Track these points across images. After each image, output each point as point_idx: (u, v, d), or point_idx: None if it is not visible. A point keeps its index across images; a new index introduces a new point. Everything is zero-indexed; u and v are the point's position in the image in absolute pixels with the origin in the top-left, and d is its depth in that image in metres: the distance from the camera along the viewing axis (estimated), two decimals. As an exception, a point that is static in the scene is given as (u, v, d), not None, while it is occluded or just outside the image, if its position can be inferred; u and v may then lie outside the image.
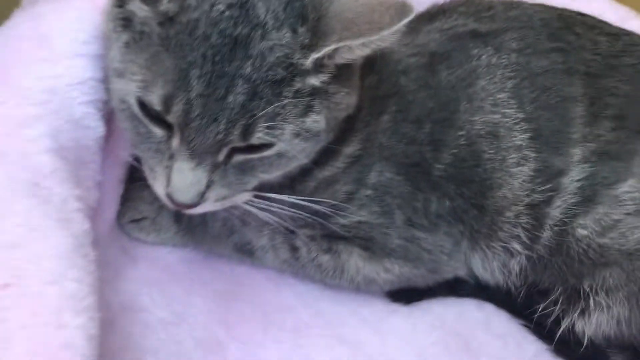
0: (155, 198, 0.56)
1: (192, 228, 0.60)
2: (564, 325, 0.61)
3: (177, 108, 0.45)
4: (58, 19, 0.50)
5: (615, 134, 0.58)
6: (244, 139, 0.46)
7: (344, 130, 0.55)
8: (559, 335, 0.62)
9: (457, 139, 0.58)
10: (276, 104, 0.45)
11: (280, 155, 0.49)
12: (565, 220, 0.59)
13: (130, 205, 0.60)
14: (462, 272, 0.64)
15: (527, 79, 0.59)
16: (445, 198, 0.60)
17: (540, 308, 0.62)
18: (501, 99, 0.58)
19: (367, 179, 0.58)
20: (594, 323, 0.60)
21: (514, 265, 0.62)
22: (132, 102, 0.47)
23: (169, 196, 0.48)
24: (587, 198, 0.58)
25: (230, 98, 0.45)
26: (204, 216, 0.59)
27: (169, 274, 0.58)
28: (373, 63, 0.56)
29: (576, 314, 0.61)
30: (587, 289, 0.59)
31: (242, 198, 0.52)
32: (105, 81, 0.51)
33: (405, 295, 0.64)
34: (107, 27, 0.50)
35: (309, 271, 0.61)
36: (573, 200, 0.58)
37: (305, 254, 0.60)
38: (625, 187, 0.58)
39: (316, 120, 0.48)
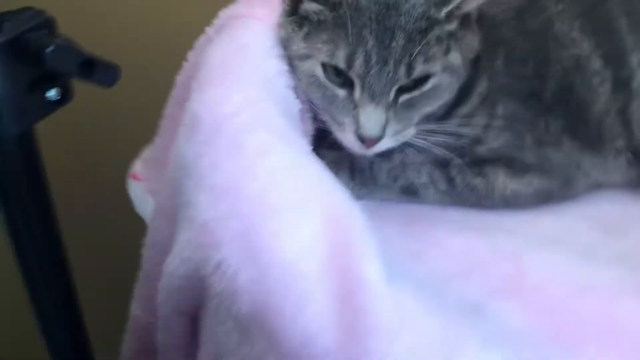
0: (334, 162, 0.72)
1: (364, 181, 0.75)
2: None
3: (358, 61, 0.62)
4: (249, 36, 0.68)
5: None
6: (408, 74, 0.62)
7: (472, 75, 0.70)
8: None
9: (554, 72, 0.73)
10: (425, 44, 0.62)
11: (434, 87, 0.65)
12: None
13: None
14: (598, 179, 0.76)
15: (584, 18, 0.74)
16: (559, 119, 0.74)
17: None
18: (575, 37, 0.74)
19: (497, 112, 0.72)
20: None
21: (623, 159, 0.76)
22: (319, 72, 0.64)
23: (359, 135, 0.64)
24: None
25: (394, 44, 0.61)
26: (372, 171, 0.75)
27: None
28: (478, 22, 0.72)
29: None
30: None
31: (411, 132, 0.67)
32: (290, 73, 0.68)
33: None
34: (284, 32, 0.67)
35: (465, 196, 0.75)
36: None
37: (460, 182, 0.74)
38: None
39: (456, 57, 0.65)
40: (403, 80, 0.63)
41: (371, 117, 0.63)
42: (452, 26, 0.65)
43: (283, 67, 0.67)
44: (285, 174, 0.53)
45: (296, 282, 0.46)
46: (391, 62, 0.62)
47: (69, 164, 1.16)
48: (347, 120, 0.65)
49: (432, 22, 0.63)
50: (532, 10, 0.75)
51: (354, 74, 0.63)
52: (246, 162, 0.53)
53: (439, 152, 0.71)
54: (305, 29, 0.65)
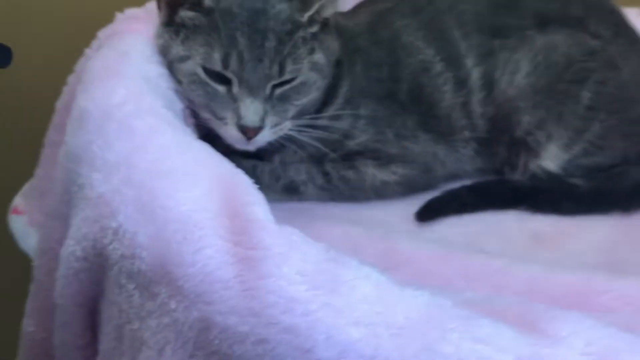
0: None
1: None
2: (519, 169, 0.85)
3: (233, 61, 0.69)
4: (128, 45, 0.73)
5: (481, 39, 0.86)
6: (280, 73, 0.70)
7: (337, 78, 0.80)
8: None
9: (405, 75, 0.85)
10: (292, 45, 0.71)
11: (303, 83, 0.73)
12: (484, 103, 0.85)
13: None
14: (453, 168, 0.87)
15: (425, 29, 0.86)
16: (414, 115, 0.85)
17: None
18: (419, 45, 0.86)
19: (360, 112, 0.82)
20: (549, 156, 0.84)
21: (470, 149, 0.87)
22: (199, 71, 0.70)
23: (240, 126, 0.70)
24: (488, 86, 0.85)
25: (266, 44, 0.69)
26: (255, 173, 0.80)
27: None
28: (337, 33, 0.81)
29: (531, 158, 0.85)
30: (521, 135, 0.84)
31: (287, 126, 0.74)
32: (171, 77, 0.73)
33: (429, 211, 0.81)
34: (162, 40, 0.74)
35: (340, 189, 0.82)
36: (482, 94, 0.85)
37: (334, 175, 0.82)
38: (499, 69, 0.85)
39: (320, 57, 0.74)
40: (276, 78, 0.71)
41: (250, 109, 0.70)
42: (314, 29, 0.74)
43: (163, 70, 0.72)
44: (175, 148, 0.57)
45: (192, 230, 0.50)
46: (265, 61, 0.70)
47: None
48: (229, 115, 0.71)
49: (297, 25, 0.72)
50: (382, 24, 0.87)
51: (230, 73, 0.70)
52: (137, 140, 0.57)
53: (314, 147, 0.78)
54: (182, 35, 0.72)
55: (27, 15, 1.12)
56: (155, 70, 0.71)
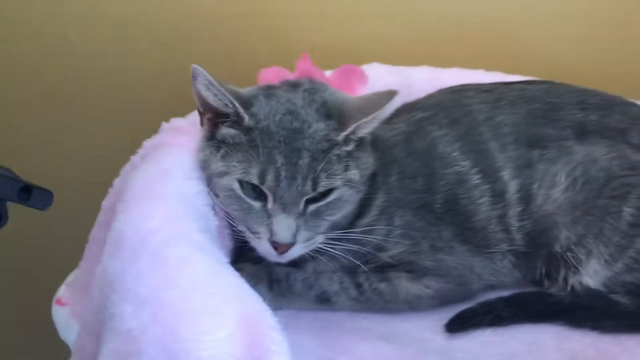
0: (252, 275, 0.79)
1: (281, 292, 0.81)
2: (558, 283, 0.83)
3: (270, 177, 0.71)
4: (170, 161, 0.76)
5: (518, 151, 0.85)
6: (314, 188, 0.72)
7: (371, 190, 0.80)
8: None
9: (441, 186, 0.84)
10: (327, 162, 0.72)
11: (337, 199, 0.74)
12: (521, 217, 0.84)
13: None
14: (489, 280, 0.85)
15: (461, 140, 0.86)
16: (450, 226, 0.84)
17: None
18: (455, 156, 0.85)
19: (395, 222, 0.82)
20: (590, 272, 0.82)
21: (507, 262, 0.85)
22: (236, 186, 0.72)
23: (273, 242, 0.72)
24: (525, 200, 0.84)
25: (301, 162, 0.71)
26: (288, 281, 0.81)
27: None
28: (373, 145, 0.83)
29: (570, 274, 0.83)
30: (560, 251, 0.82)
31: (319, 240, 0.75)
32: (209, 192, 0.76)
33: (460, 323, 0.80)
34: (204, 154, 0.76)
35: (373, 301, 0.82)
36: (519, 208, 0.84)
37: (367, 287, 0.81)
38: (536, 183, 0.84)
39: (354, 173, 0.75)
40: (310, 193, 0.72)
41: (283, 225, 0.71)
42: (350, 147, 0.75)
43: (201, 187, 0.74)
44: (203, 282, 0.58)
45: (212, 380, 0.51)
46: (299, 178, 0.71)
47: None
48: (262, 229, 0.73)
49: (332, 144, 0.73)
50: (419, 134, 0.87)
51: (266, 188, 0.72)
52: (168, 272, 0.59)
53: (347, 259, 0.79)
54: (222, 151, 0.74)
55: (77, 118, 1.18)
56: (193, 189, 0.73)
